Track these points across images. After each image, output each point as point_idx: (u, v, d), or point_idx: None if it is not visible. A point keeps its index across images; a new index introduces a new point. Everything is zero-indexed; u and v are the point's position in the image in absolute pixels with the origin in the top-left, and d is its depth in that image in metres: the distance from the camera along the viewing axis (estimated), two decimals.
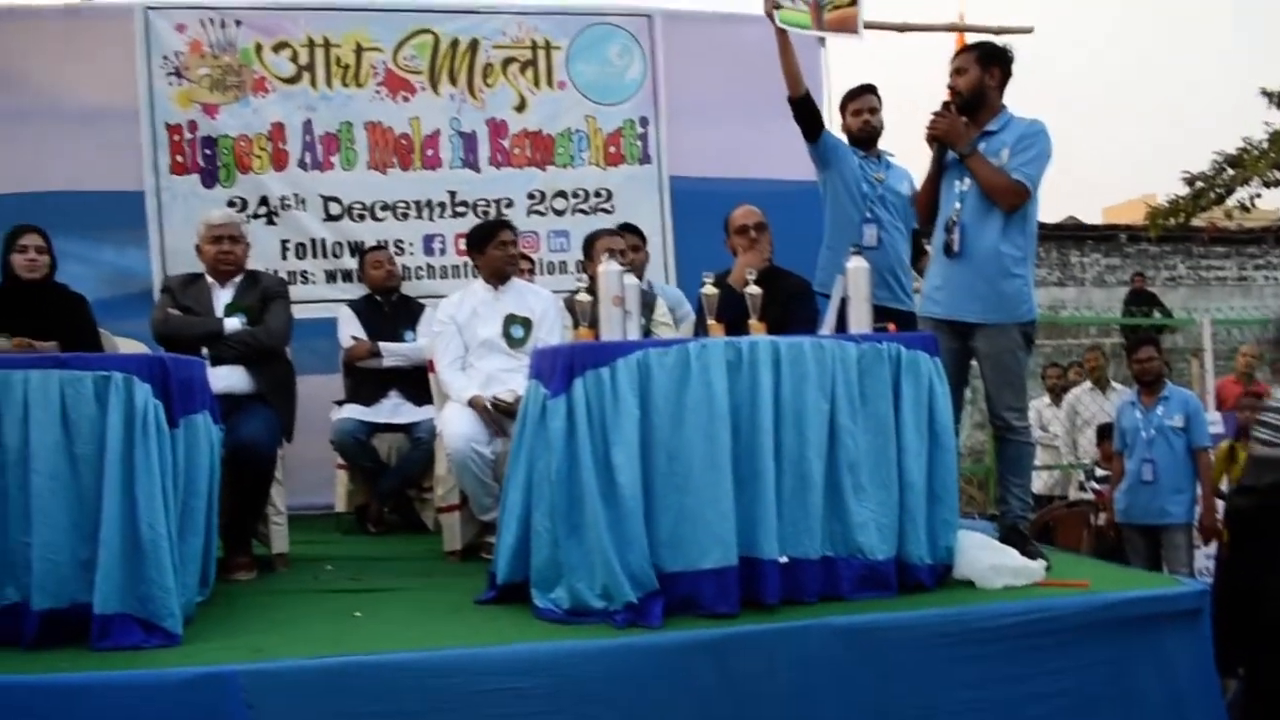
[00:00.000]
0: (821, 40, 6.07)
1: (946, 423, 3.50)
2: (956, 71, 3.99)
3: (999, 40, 4.20)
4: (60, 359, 3.16)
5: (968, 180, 3.92)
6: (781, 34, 4.50)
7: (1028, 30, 6.45)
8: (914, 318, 4.20)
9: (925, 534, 3.45)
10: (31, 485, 2.99)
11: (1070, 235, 15.05)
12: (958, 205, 3.94)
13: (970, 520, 4.63)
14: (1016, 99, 4.02)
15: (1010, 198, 3.84)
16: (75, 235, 5.41)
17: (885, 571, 3.38)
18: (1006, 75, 3.99)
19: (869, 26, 6.29)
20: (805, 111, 4.62)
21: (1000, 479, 4.10)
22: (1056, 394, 8.54)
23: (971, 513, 6.53)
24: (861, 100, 4.71)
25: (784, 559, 3.26)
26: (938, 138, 3.98)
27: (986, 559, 3.49)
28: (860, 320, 3.60)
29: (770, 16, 4.49)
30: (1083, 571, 3.65)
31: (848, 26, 4.56)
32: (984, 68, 3.94)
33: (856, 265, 3.66)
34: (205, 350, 4.18)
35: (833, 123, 4.85)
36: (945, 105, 3.99)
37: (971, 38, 6.43)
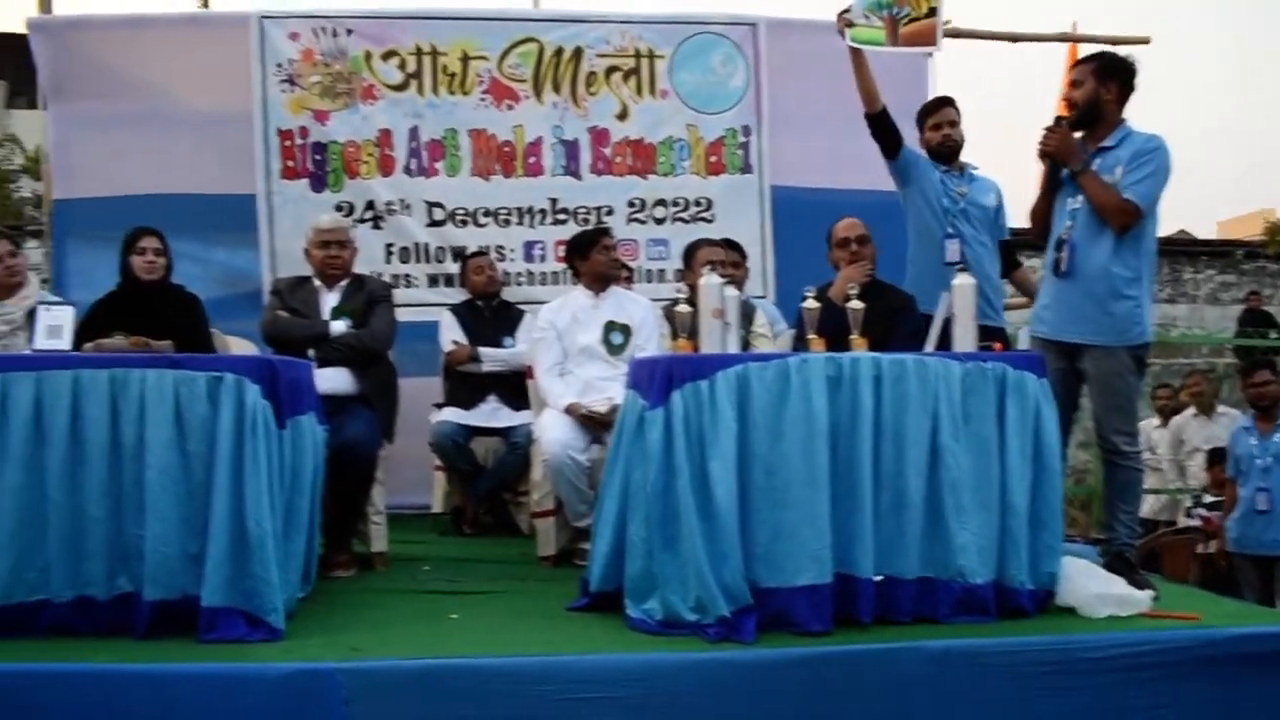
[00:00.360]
0: (930, 55, 6.04)
1: (1053, 446, 3.41)
2: (1072, 84, 3.89)
3: (1120, 51, 4.06)
4: (175, 359, 3.27)
5: (1080, 198, 3.82)
6: (855, 52, 4.47)
7: (1144, 40, 6.26)
8: (1003, 333, 4.10)
9: (1027, 558, 3.37)
10: (145, 480, 3.11)
11: (1183, 250, 14.58)
12: (1069, 223, 3.85)
13: (1073, 544, 4.51)
14: (1130, 109, 3.90)
15: (1120, 217, 3.73)
16: (190, 236, 5.58)
17: (984, 595, 3.31)
18: (1126, 89, 3.85)
19: (980, 36, 6.29)
20: (882, 128, 4.56)
21: (1107, 504, 3.97)
22: (1166, 415, 8.27)
23: (1074, 535, 6.36)
24: (940, 114, 4.61)
25: (879, 578, 3.22)
26: (1049, 154, 3.89)
27: (1091, 586, 3.40)
28: (965, 338, 3.53)
29: (841, 34, 4.47)
30: (1193, 604, 3.53)
31: (925, 40, 4.49)
32: (1101, 80, 3.82)
33: (962, 282, 3.60)
34: (311, 351, 4.28)
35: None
36: (1057, 120, 3.89)
37: (1085, 48, 6.29)
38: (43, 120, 5.86)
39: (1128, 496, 3.89)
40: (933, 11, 4.45)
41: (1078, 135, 3.91)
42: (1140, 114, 3.91)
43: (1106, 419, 3.84)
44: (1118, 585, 3.44)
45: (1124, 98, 3.86)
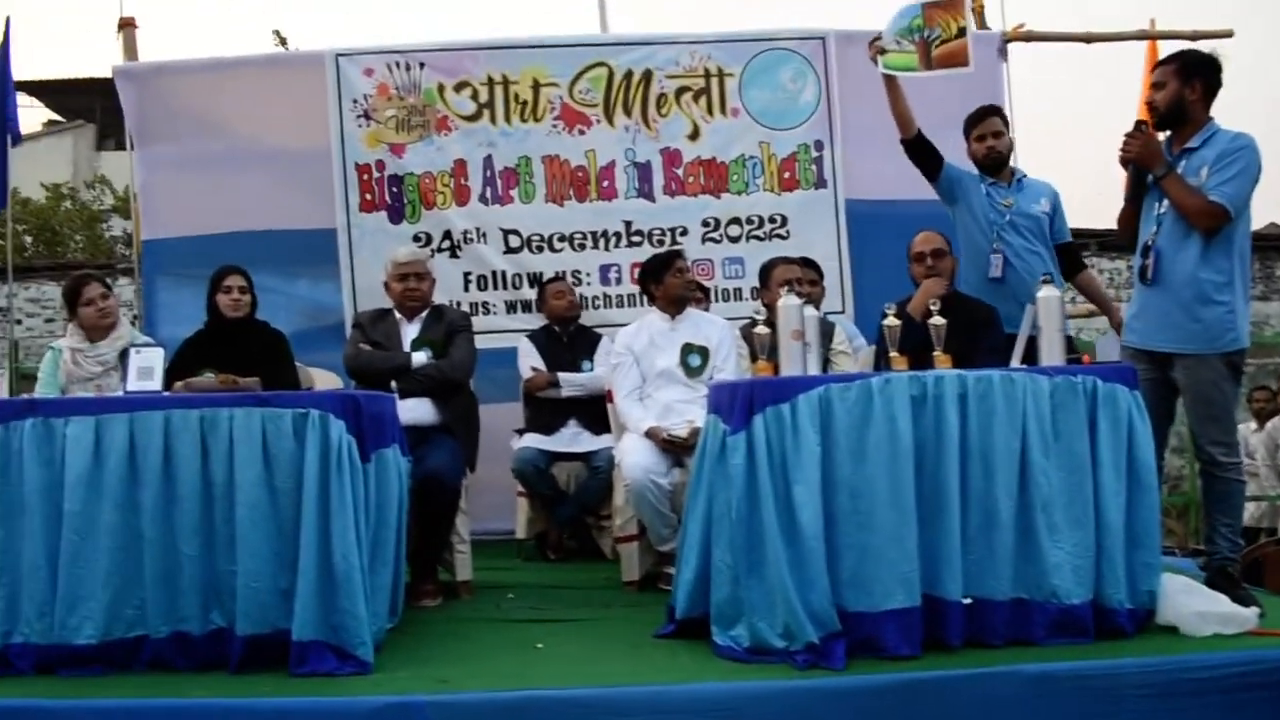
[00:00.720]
0: (1003, 53, 5.94)
1: (1148, 461, 3.32)
2: (1154, 86, 3.79)
3: (1204, 47, 3.95)
4: (262, 397, 3.33)
5: (1166, 203, 3.71)
6: (889, 79, 4.51)
7: (1227, 34, 6.06)
8: (1070, 341, 3.98)
9: (1124, 577, 3.28)
10: (236, 517, 3.17)
11: (1274, 245, 14.10)
12: (1154, 229, 3.75)
13: (1171, 557, 4.36)
14: (1216, 105, 3.78)
15: (1206, 220, 3.61)
16: (272, 271, 5.70)
17: (1081, 616, 3.22)
18: (1212, 87, 3.73)
19: (1054, 38, 6.15)
20: (920, 152, 4.58)
21: (1207, 517, 3.84)
22: (1262, 419, 7.99)
23: (1171, 548, 6.15)
24: (984, 124, 4.53)
25: (968, 600, 3.16)
26: (1131, 160, 3.79)
27: (1193, 604, 3.28)
28: (1052, 352, 3.44)
29: (874, 61, 4.52)
30: None
31: (957, 60, 4.51)
32: (1184, 80, 3.71)
33: (1047, 294, 3.52)
34: (394, 383, 4.33)
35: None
36: (1138, 125, 3.79)
37: (1165, 44, 6.13)
38: (129, 161, 6.04)
39: (1228, 509, 3.76)
40: (962, 32, 4.48)
41: (1162, 137, 3.81)
42: (1227, 108, 3.79)
43: (1202, 429, 3.72)
44: (1221, 603, 3.32)
45: (1209, 96, 3.74)
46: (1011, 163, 4.61)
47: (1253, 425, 8.00)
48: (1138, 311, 3.83)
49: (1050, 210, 4.53)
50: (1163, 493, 4.88)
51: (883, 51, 4.51)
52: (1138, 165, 3.79)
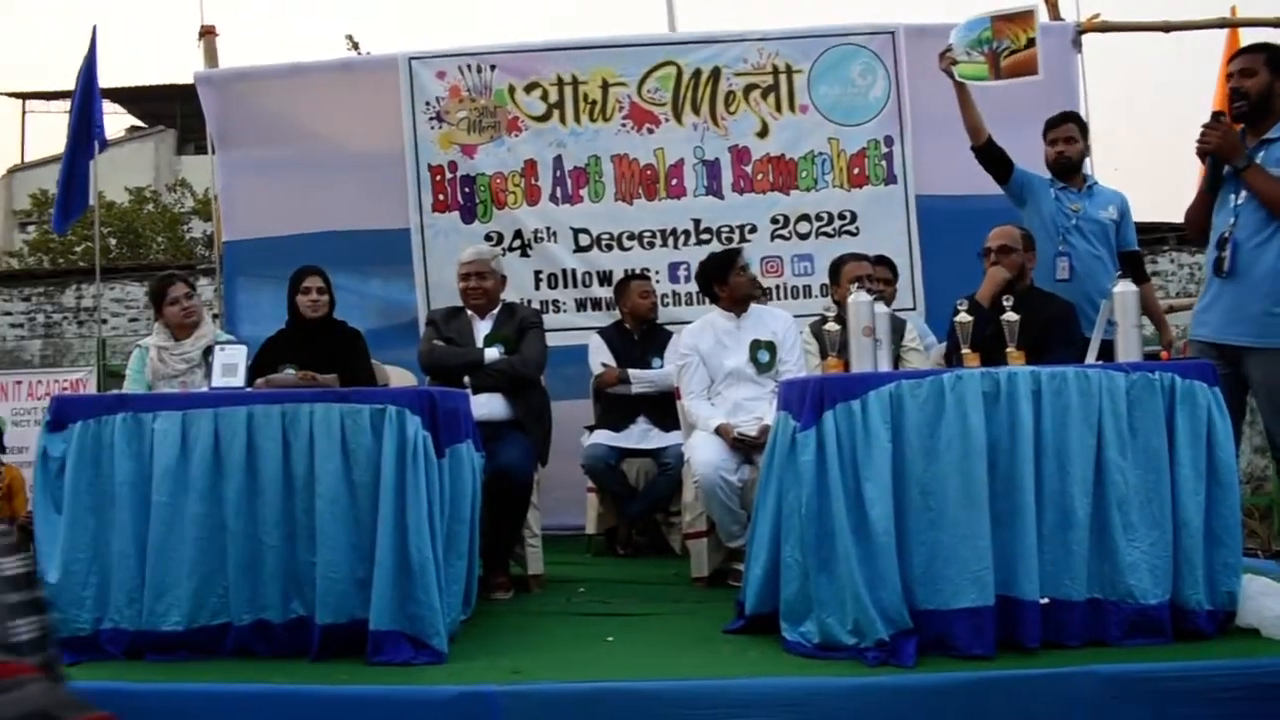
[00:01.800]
0: (1077, 44, 5.84)
1: (1227, 459, 3.24)
2: (1243, 73, 3.71)
3: None
4: (341, 393, 3.42)
5: (1243, 194, 3.65)
6: (960, 88, 4.63)
7: None
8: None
9: (1203, 577, 3.21)
10: (316, 509, 3.26)
11: None
12: (1232, 221, 3.69)
13: (1252, 559, 4.27)
14: None
15: None
16: (348, 271, 5.85)
17: (1158, 616, 3.17)
18: None
19: (1131, 28, 6.04)
20: (990, 158, 4.69)
21: None
22: None
23: (1254, 549, 6.02)
24: (1058, 130, 4.62)
25: (1044, 600, 3.12)
26: (1210, 151, 3.72)
27: (1275, 606, 3.20)
28: (1129, 348, 3.39)
29: (949, 73, 4.64)
30: None
31: (1027, 69, 4.62)
32: (1275, 72, 3.65)
33: (1124, 289, 3.47)
34: (467, 379, 4.40)
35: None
36: (1215, 116, 3.73)
37: (1246, 33, 5.98)
38: (209, 165, 6.20)
39: None
40: (1031, 42, 4.57)
41: (1238, 128, 3.73)
42: None
43: (1276, 427, 3.63)
44: None
45: None
46: (1086, 166, 4.64)
47: None
48: (1210, 304, 3.77)
49: (1118, 217, 4.58)
50: (1245, 492, 4.78)
51: (955, 62, 4.62)
52: (1216, 157, 3.72)
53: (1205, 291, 3.85)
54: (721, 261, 4.63)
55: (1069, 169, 4.60)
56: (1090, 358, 3.54)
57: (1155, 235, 12.10)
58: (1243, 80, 3.70)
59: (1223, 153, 3.69)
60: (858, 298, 3.46)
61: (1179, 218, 4.43)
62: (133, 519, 3.28)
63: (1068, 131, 4.60)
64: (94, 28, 6.42)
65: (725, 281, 4.57)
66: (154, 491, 3.27)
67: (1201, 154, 3.77)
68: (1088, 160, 5.69)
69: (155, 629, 3.24)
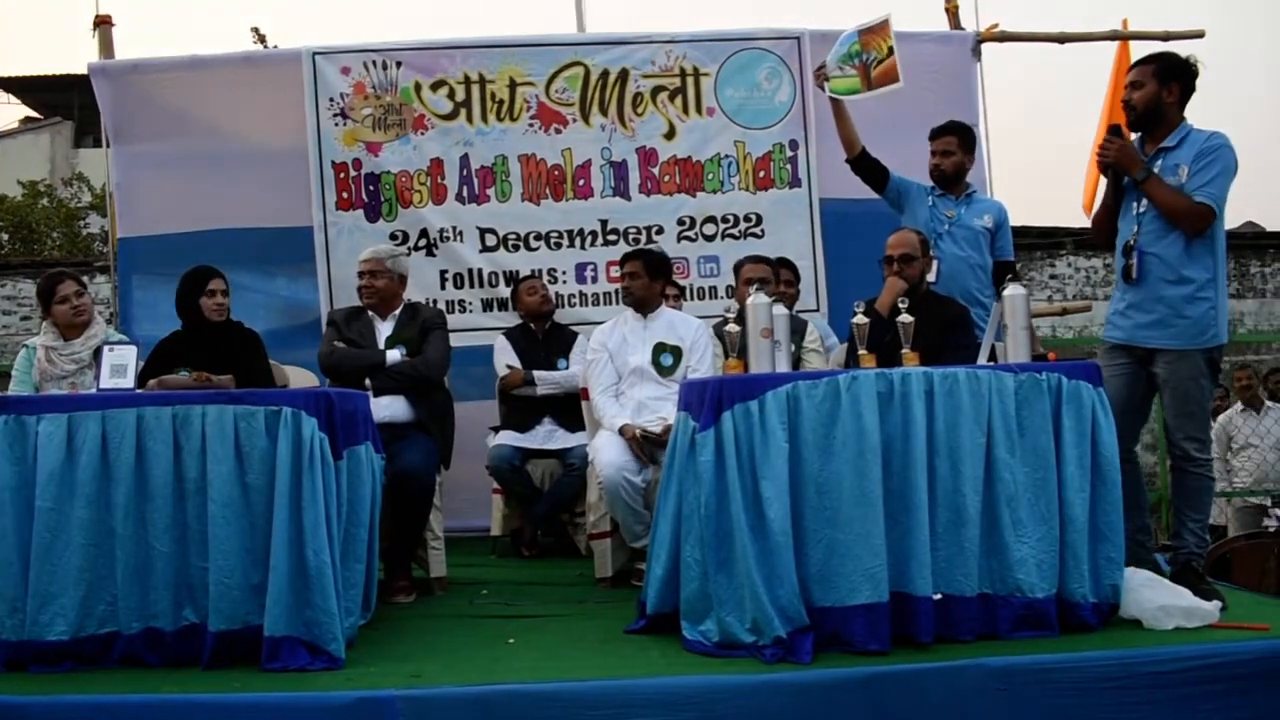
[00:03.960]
0: (976, 52, 5.98)
1: (1111, 456, 3.35)
2: (1132, 85, 3.84)
3: (1176, 48, 4.03)
4: (235, 394, 3.35)
5: (1144, 203, 3.79)
6: (835, 103, 4.86)
7: (1198, 34, 6.12)
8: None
9: (1089, 571, 3.32)
10: (208, 513, 3.19)
11: (1250, 244, 14.21)
12: (1135, 229, 3.81)
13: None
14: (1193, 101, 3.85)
15: (1194, 221, 3.69)
16: (250, 269, 5.74)
17: (1046, 610, 3.26)
18: (1188, 90, 3.81)
19: (1027, 38, 6.21)
20: (865, 168, 4.91)
21: (1175, 512, 3.90)
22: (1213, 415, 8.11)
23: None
24: (937, 142, 4.81)
25: (938, 596, 3.19)
26: (1110, 164, 3.86)
27: (1156, 598, 3.33)
28: (1018, 349, 3.49)
29: (821, 88, 4.90)
30: (1263, 614, 3.44)
31: (891, 78, 4.81)
32: (1162, 82, 3.78)
33: (1013, 292, 3.56)
34: (368, 380, 4.35)
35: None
36: (1114, 129, 3.87)
37: (1136, 45, 6.18)
38: (107, 159, 6.03)
39: (1197, 504, 3.82)
40: (891, 51, 4.78)
41: (1135, 136, 3.87)
42: (1198, 108, 3.86)
43: (1177, 424, 3.77)
44: (1184, 597, 3.37)
45: (1185, 99, 3.82)
46: (983, 171, 4.78)
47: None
48: (1123, 309, 3.88)
49: (993, 227, 4.77)
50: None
51: (828, 78, 4.85)
52: (1117, 169, 3.85)
53: (1115, 296, 3.97)
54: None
55: (945, 180, 4.78)
56: (981, 359, 3.63)
57: (1053, 239, 12.47)
58: (1131, 92, 3.83)
59: (1121, 165, 3.82)
60: (756, 299, 3.50)
61: (1075, 222, 4.60)
62: (15, 525, 3.16)
63: (945, 144, 4.77)
64: None
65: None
66: (38, 497, 3.16)
67: (1102, 166, 3.90)
68: (985, 166, 5.89)
69: (39, 639, 3.13)
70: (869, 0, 5.19)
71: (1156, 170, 3.76)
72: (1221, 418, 7.89)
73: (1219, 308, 3.74)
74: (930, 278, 4.47)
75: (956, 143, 4.78)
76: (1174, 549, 3.88)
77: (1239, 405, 7.79)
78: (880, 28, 4.79)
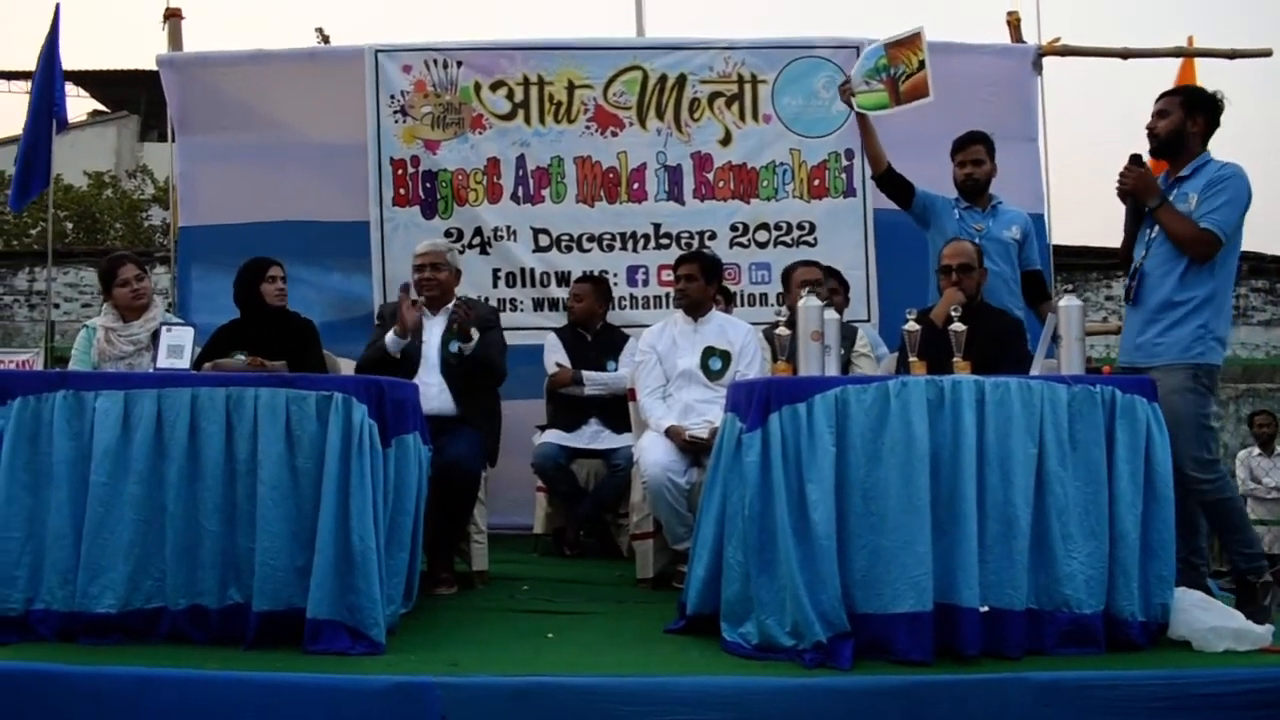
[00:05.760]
0: (1038, 66, 5.92)
1: (1165, 473, 3.30)
2: (1158, 114, 3.87)
3: (1241, 66, 4.02)
4: (287, 378, 3.40)
5: (1157, 229, 3.82)
6: (861, 118, 4.82)
7: (1266, 53, 6.02)
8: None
9: (1138, 589, 3.27)
10: (257, 495, 3.23)
11: None
12: (1143, 253, 3.86)
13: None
14: (1259, 121, 3.82)
15: (1199, 247, 3.71)
16: (306, 262, 5.82)
17: (1093, 626, 3.22)
18: (1213, 123, 3.85)
19: (1090, 54, 6.15)
20: (891, 185, 4.86)
21: (1218, 537, 3.85)
22: (1266, 443, 7.99)
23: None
24: (966, 151, 4.74)
25: (985, 609, 3.14)
26: (1128, 192, 3.89)
27: (1206, 619, 3.27)
28: (1072, 361, 3.44)
29: (848, 103, 4.84)
30: None
31: (921, 92, 4.75)
32: (1188, 113, 3.82)
33: (1069, 304, 3.52)
34: (421, 372, 4.38)
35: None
36: (1135, 159, 3.88)
37: (1201, 62, 6.10)
38: (171, 151, 6.14)
39: (1226, 526, 3.75)
40: (922, 64, 4.71)
41: (1163, 167, 3.92)
42: (1268, 126, 3.84)
43: (1173, 443, 3.70)
44: (1235, 619, 3.30)
45: (1209, 132, 3.85)
46: (1041, 184, 4.73)
47: (1256, 450, 8.05)
48: (1125, 332, 3.95)
49: (1020, 238, 4.70)
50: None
51: (854, 93, 4.79)
52: (1134, 196, 3.88)
53: (1125, 321, 4.03)
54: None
55: (976, 190, 4.71)
56: (1034, 370, 3.59)
57: (1111, 260, 12.28)
58: (1156, 121, 3.86)
59: (1138, 193, 3.86)
60: (807, 303, 3.48)
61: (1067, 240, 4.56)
62: (70, 499, 3.24)
63: (975, 153, 4.72)
64: (56, 6, 6.32)
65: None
66: (93, 472, 3.23)
67: (1121, 195, 3.93)
68: (1043, 183, 5.83)
69: (88, 611, 3.20)
70: (930, 10, 5.15)
71: (1171, 198, 3.79)
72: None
73: (1209, 328, 3.73)
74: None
75: (984, 151, 4.73)
76: (1229, 574, 3.81)
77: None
78: (911, 40, 4.74)
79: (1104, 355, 6.47)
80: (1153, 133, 3.86)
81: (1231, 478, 3.88)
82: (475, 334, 4.43)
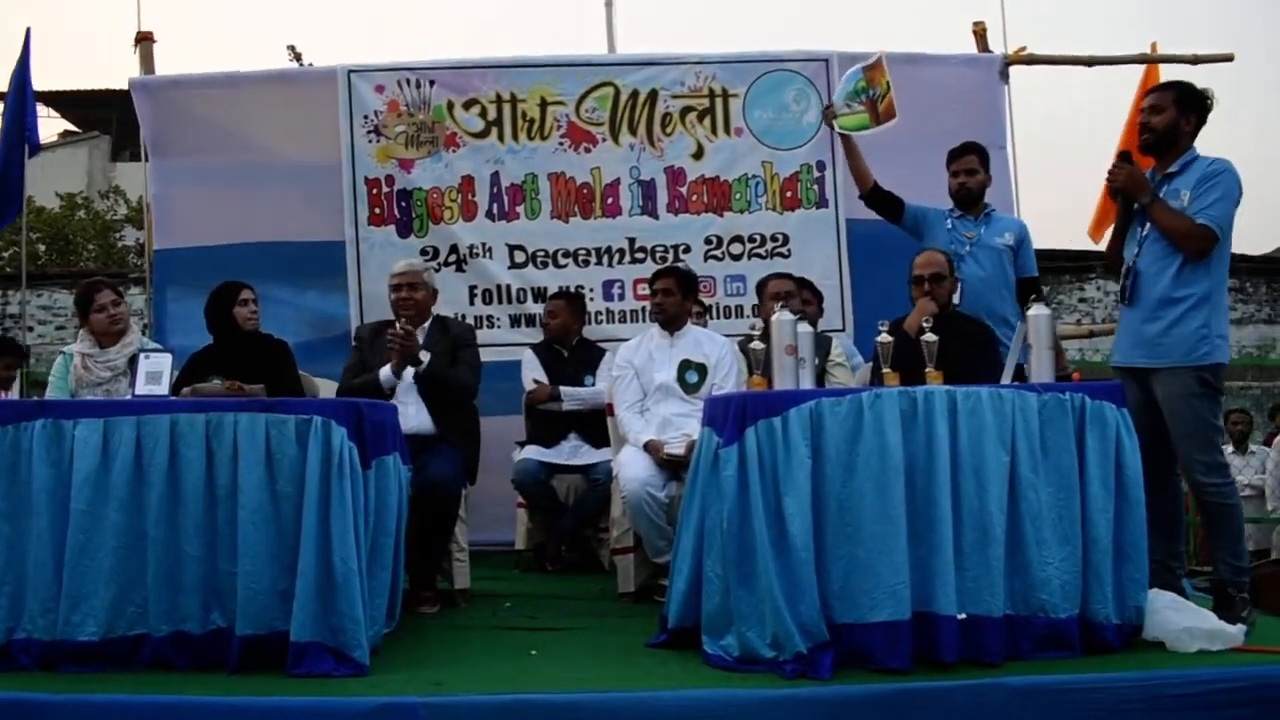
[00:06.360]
0: (1004, 75, 5.99)
1: (1135, 477, 3.35)
2: (1152, 109, 3.86)
3: (1204, 71, 4.08)
4: (266, 402, 3.41)
5: (1149, 226, 3.82)
6: (845, 139, 4.89)
7: (1228, 58, 6.13)
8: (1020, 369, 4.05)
9: (1112, 592, 3.32)
10: (238, 519, 3.24)
11: None
12: (1135, 251, 3.86)
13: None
14: (1221, 124, 3.89)
15: (1196, 243, 3.70)
16: (282, 282, 5.84)
17: (1068, 630, 3.26)
18: (1203, 121, 3.85)
19: (1055, 62, 6.26)
20: (878, 202, 4.92)
21: (1209, 540, 3.89)
22: (1239, 441, 8.08)
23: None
24: (960, 161, 4.79)
25: (963, 616, 3.18)
26: (1119, 189, 3.89)
27: (1180, 620, 3.32)
28: (1042, 369, 3.50)
29: (830, 125, 4.96)
30: None
31: (891, 113, 4.82)
32: (1181, 111, 3.82)
33: (1037, 313, 3.57)
34: (401, 386, 4.39)
35: None
36: (1123, 155, 3.91)
37: (1165, 68, 6.19)
38: (144, 172, 6.13)
39: (1220, 531, 3.78)
40: (889, 86, 4.81)
41: (1149, 164, 3.91)
42: (1222, 131, 3.90)
43: (1180, 446, 3.75)
44: (1207, 619, 3.35)
45: (1198, 128, 3.86)
46: (1010, 193, 4.78)
47: (1230, 448, 8.13)
48: (1120, 331, 3.93)
49: (1014, 245, 4.72)
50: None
51: (836, 116, 4.88)
52: (1125, 193, 3.88)
53: (1119, 321, 4.01)
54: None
55: (969, 199, 4.76)
56: (1005, 379, 3.64)
57: (1083, 263, 12.42)
58: (1151, 116, 3.86)
59: (1129, 190, 3.86)
60: (781, 316, 3.52)
61: (1104, 246, 4.58)
62: (50, 527, 3.23)
63: (969, 163, 4.76)
64: (27, 30, 6.30)
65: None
66: (73, 499, 3.22)
67: (1111, 192, 3.95)
68: (1013, 189, 5.90)
69: (70, 639, 3.19)
70: (896, 23, 5.25)
71: (1161, 195, 3.80)
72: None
73: (1212, 326, 3.72)
74: (954, 299, 4.50)
75: (978, 161, 4.78)
76: (1211, 574, 3.86)
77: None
78: (877, 65, 4.84)
79: (1076, 358, 6.58)
80: (1147, 127, 3.85)
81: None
82: (425, 355, 4.44)
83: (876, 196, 4.91)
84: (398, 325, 4.38)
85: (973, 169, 4.76)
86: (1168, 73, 6.16)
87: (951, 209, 4.81)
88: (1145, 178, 3.85)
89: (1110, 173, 3.88)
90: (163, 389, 3.61)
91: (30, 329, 10.10)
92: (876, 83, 4.80)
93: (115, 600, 3.21)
